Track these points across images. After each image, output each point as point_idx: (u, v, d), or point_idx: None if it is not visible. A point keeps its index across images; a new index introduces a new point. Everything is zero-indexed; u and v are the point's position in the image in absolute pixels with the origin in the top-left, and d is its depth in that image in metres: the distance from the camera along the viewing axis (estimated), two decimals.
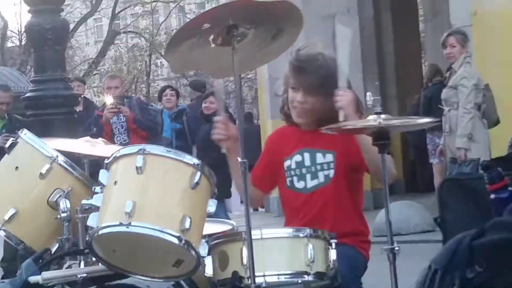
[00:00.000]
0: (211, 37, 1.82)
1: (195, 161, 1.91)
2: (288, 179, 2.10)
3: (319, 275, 1.87)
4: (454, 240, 1.18)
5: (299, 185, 2.08)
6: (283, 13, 1.82)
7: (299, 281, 1.88)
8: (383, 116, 1.81)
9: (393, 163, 2.10)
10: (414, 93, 7.67)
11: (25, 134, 2.09)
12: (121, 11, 23.74)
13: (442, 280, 1.13)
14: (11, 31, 22.23)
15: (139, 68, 22.09)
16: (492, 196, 2.25)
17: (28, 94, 5.08)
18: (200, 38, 1.81)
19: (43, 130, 4.24)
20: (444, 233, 2.62)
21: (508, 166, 2.21)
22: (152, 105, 8.89)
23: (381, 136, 1.81)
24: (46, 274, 1.98)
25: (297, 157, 2.07)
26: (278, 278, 1.88)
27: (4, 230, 2.08)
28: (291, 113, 2.09)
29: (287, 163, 2.09)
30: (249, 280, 1.78)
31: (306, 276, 1.88)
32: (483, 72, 4.90)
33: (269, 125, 7.09)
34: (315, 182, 2.05)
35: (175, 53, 1.93)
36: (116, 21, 24.27)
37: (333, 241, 1.86)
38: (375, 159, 1.84)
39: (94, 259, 2.02)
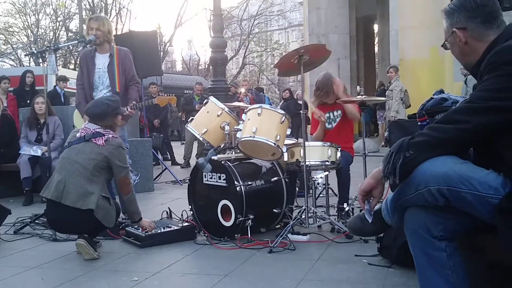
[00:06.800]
0: (292, 59, 3.71)
1: (282, 112, 3.72)
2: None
3: (332, 162, 3.71)
4: (401, 139, 1.69)
5: (328, 126, 4.14)
6: (323, 52, 3.79)
7: (323, 165, 3.73)
8: (363, 96, 3.89)
9: (358, 115, 4.02)
10: (373, 91, 15.75)
11: (211, 98, 4.16)
12: None
13: (394, 157, 1.67)
14: None
15: None
16: (419, 124, 3.83)
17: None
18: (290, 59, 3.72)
19: None
20: (390, 145, 4.60)
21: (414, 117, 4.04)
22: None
23: (363, 104, 3.90)
24: (218, 155, 3.74)
25: (327, 114, 4.13)
26: (315, 162, 3.69)
27: (202, 137, 3.93)
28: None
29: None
30: (303, 163, 3.62)
31: (327, 162, 3.70)
32: (404, 84, 10.48)
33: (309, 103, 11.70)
34: (334, 123, 4.11)
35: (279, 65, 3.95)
36: None
37: (339, 148, 3.75)
38: (352, 113, 3.86)
39: (237, 151, 3.76)
